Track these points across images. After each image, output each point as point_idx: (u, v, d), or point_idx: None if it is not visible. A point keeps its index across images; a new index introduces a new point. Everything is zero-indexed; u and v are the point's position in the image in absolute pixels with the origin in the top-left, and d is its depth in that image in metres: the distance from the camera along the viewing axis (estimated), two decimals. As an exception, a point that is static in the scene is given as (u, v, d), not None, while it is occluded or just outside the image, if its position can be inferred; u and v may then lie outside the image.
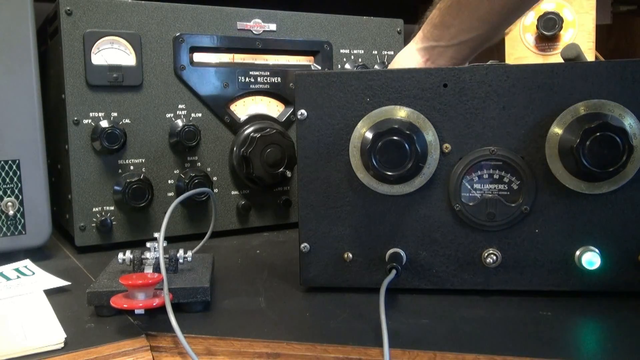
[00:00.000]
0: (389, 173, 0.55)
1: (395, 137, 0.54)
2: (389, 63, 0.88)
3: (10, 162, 0.73)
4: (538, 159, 0.56)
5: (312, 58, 0.93)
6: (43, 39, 0.87)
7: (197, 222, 0.85)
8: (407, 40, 0.79)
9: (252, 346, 0.48)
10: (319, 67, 0.92)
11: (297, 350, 0.48)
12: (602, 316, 0.54)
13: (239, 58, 0.88)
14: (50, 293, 0.61)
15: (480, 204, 0.57)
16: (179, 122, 0.82)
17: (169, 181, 0.83)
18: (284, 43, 0.90)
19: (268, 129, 0.85)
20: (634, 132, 0.53)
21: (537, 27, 1.05)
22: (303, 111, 0.59)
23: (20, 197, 0.74)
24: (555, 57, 1.05)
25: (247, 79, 0.87)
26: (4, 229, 0.74)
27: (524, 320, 0.52)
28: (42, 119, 0.75)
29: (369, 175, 0.58)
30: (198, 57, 0.85)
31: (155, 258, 0.59)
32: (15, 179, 0.74)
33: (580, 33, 1.05)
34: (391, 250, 0.59)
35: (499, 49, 1.08)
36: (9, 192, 0.74)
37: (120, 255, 0.61)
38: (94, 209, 0.79)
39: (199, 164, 0.85)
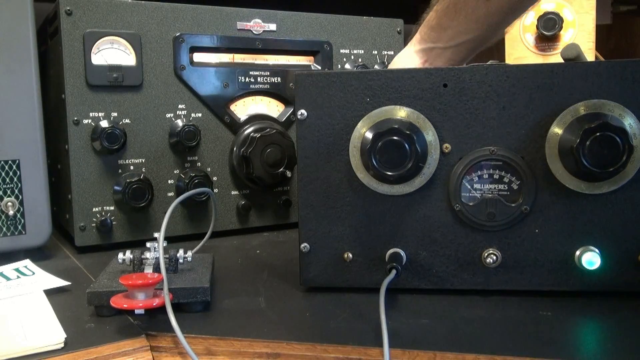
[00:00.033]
0: (389, 173, 0.55)
1: (395, 137, 0.54)
2: (389, 63, 0.88)
3: (10, 162, 0.73)
4: (538, 159, 0.56)
5: (312, 58, 0.93)
6: (43, 39, 0.87)
7: (197, 222, 0.85)
8: (407, 40, 0.79)
9: (252, 346, 0.48)
10: (319, 67, 0.92)
11: (297, 350, 0.48)
12: (602, 316, 0.54)
13: (239, 58, 0.88)
14: (50, 293, 0.61)
15: (480, 204, 0.57)
16: (179, 122, 0.82)
17: (169, 181, 0.83)
18: (284, 43, 0.90)
19: (268, 129, 0.85)
20: (634, 132, 0.53)
21: (537, 27, 1.05)
22: (303, 111, 0.59)
23: (20, 197, 0.74)
24: (555, 57, 1.05)
25: (247, 79, 0.87)
26: (4, 229, 0.74)
27: (524, 320, 0.52)
28: (42, 119, 0.75)
29: (369, 175, 0.58)
30: (198, 57, 0.85)
31: (155, 258, 0.59)
32: (15, 179, 0.74)
33: (580, 33, 1.05)
34: (391, 250, 0.59)
35: (499, 49, 1.08)
36: (9, 192, 0.74)
37: (120, 255, 0.61)
38: (94, 209, 0.79)
39: (199, 164, 0.85)
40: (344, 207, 0.59)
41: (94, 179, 0.79)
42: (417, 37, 0.75)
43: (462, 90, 0.56)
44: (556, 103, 0.55)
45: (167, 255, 0.59)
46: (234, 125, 0.87)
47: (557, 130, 0.55)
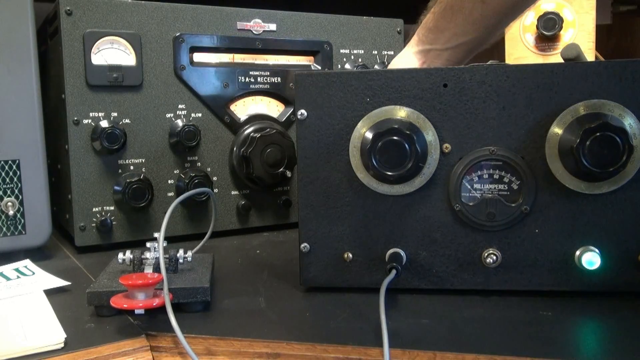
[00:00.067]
0: (389, 173, 0.55)
1: (395, 137, 0.54)
2: (388, 63, 0.88)
3: (10, 162, 0.73)
4: (538, 159, 0.56)
5: (312, 58, 0.93)
6: (43, 39, 0.87)
7: (197, 222, 0.85)
8: (406, 40, 0.79)
9: (252, 346, 0.48)
10: (319, 67, 0.92)
11: (297, 350, 0.48)
12: (602, 316, 0.54)
13: (239, 58, 0.88)
14: (50, 293, 0.61)
15: (480, 204, 0.57)
16: (179, 122, 0.82)
17: (169, 181, 0.83)
18: (284, 43, 0.90)
19: (268, 129, 0.85)
20: (634, 132, 0.53)
21: (537, 27, 1.05)
22: (303, 111, 0.59)
23: (20, 197, 0.74)
24: (555, 57, 1.05)
25: (247, 79, 0.87)
26: (4, 229, 0.74)
27: (524, 320, 0.52)
28: (42, 119, 0.75)
29: (369, 175, 0.58)
30: (198, 57, 0.85)
31: (155, 258, 0.59)
32: (15, 179, 0.74)
33: (580, 33, 1.05)
34: (391, 250, 0.59)
35: (499, 49, 1.08)
36: (9, 192, 0.74)
37: (120, 255, 0.61)
38: (94, 209, 0.79)
39: (199, 164, 0.85)
40: (344, 207, 0.59)
41: (94, 179, 0.79)
42: (414, 39, 0.75)
43: (462, 90, 0.56)
44: (556, 103, 0.55)
45: (167, 255, 0.59)
46: (234, 125, 0.87)
47: (557, 130, 0.55)
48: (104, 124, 0.77)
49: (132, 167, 0.81)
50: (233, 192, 0.88)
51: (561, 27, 1.04)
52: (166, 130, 0.82)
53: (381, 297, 0.50)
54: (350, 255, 0.59)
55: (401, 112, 0.57)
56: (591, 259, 0.55)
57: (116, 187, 0.79)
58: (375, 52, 0.97)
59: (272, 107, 0.91)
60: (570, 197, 0.56)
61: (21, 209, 0.74)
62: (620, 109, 0.54)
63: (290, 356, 0.47)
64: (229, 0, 0.87)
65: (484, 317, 0.53)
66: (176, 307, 0.54)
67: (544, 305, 0.55)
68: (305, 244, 0.60)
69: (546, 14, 1.04)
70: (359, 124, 0.57)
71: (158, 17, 0.81)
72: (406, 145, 0.55)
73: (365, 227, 0.59)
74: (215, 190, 0.86)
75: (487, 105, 0.56)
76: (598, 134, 0.52)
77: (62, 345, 0.48)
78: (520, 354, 0.45)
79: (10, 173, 0.73)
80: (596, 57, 1.08)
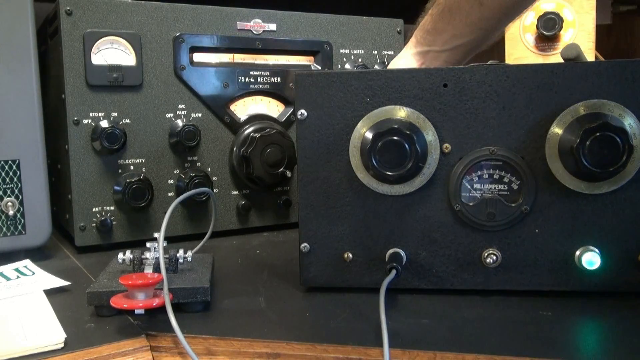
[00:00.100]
0: (389, 173, 0.55)
1: (395, 137, 0.54)
2: (389, 63, 0.88)
3: (10, 162, 0.73)
4: (538, 159, 0.56)
5: (312, 58, 0.93)
6: (43, 39, 0.87)
7: (197, 222, 0.85)
8: (406, 40, 0.79)
9: (252, 346, 0.48)
10: (319, 67, 0.92)
11: (297, 350, 0.48)
12: (602, 316, 0.54)
13: (239, 58, 0.88)
14: (50, 293, 0.61)
15: (480, 204, 0.57)
16: (179, 122, 0.82)
17: (169, 181, 0.83)
18: (284, 43, 0.90)
19: (268, 129, 0.85)
20: (634, 132, 0.53)
21: (537, 27, 1.05)
22: (303, 111, 0.59)
23: (20, 197, 0.74)
24: (555, 57, 1.05)
25: (247, 79, 0.87)
26: (4, 229, 0.74)
27: (524, 320, 0.52)
28: (42, 119, 0.75)
29: (369, 175, 0.58)
30: (198, 57, 0.85)
31: (155, 258, 0.59)
32: (15, 179, 0.74)
33: (580, 33, 1.05)
34: (391, 250, 0.59)
35: (499, 49, 1.08)
36: (9, 192, 0.74)
37: (120, 255, 0.61)
38: (94, 209, 0.79)
39: (199, 164, 0.85)
40: (344, 207, 0.59)
41: (94, 179, 0.79)
42: (412, 41, 0.75)
43: (462, 90, 0.56)
44: (556, 103, 0.55)
45: (167, 255, 0.59)
46: (234, 125, 0.87)
47: (557, 130, 0.55)
48: (104, 124, 0.77)
49: (132, 167, 0.81)
50: (233, 192, 0.88)
51: (561, 27, 1.04)
52: (166, 130, 0.82)
53: (381, 297, 0.50)
54: (350, 255, 0.59)
55: (401, 112, 0.57)
56: (591, 259, 0.55)
57: (116, 187, 0.79)
58: (375, 52, 0.97)
59: (272, 107, 0.91)
60: (570, 197, 0.56)
61: (21, 209, 0.74)
62: (620, 109, 0.54)
63: (290, 356, 0.47)
64: (229, 0, 0.88)
65: (484, 317, 0.53)
66: (176, 307, 0.54)
67: (544, 305, 0.55)
68: (305, 244, 0.60)
69: (546, 14, 1.04)
70: (359, 124, 0.57)
71: (158, 17, 0.81)
72: (406, 145, 0.55)
73: (365, 227, 0.59)
74: (215, 190, 0.86)
75: (487, 105, 0.56)
76: (598, 134, 0.52)
77: (62, 345, 0.48)
78: (520, 354, 0.45)
79: (10, 173, 0.73)
80: (596, 57, 1.08)
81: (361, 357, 0.46)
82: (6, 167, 0.73)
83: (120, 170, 0.80)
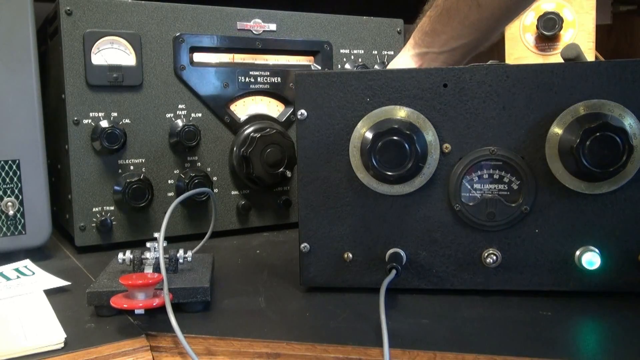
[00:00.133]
0: (389, 173, 0.55)
1: (395, 137, 0.54)
2: (388, 63, 0.88)
3: (10, 162, 0.73)
4: (538, 159, 0.56)
5: (312, 58, 0.93)
6: (43, 39, 0.87)
7: (197, 222, 0.85)
8: (406, 40, 0.79)
9: (252, 346, 0.48)
10: (319, 67, 0.92)
11: (297, 350, 0.48)
12: (602, 316, 0.54)
13: (239, 58, 0.88)
14: (50, 293, 0.61)
15: (480, 204, 0.57)
16: (179, 122, 0.82)
17: (169, 181, 0.83)
18: (284, 43, 0.90)
19: (268, 129, 0.85)
20: (634, 132, 0.53)
21: (537, 27, 1.05)
22: (303, 111, 0.59)
23: (20, 197, 0.74)
24: (555, 57, 1.05)
25: (247, 79, 0.87)
26: (4, 229, 0.74)
27: (524, 320, 0.52)
28: (42, 119, 0.75)
29: (369, 175, 0.58)
30: (198, 57, 0.85)
31: (155, 258, 0.59)
32: (15, 179, 0.74)
33: (580, 33, 1.05)
34: (391, 250, 0.59)
35: (499, 49, 1.08)
36: (9, 192, 0.74)
37: (120, 255, 0.61)
38: (94, 209, 0.79)
39: (199, 164, 0.85)
40: (344, 207, 0.59)
41: (94, 179, 0.79)
42: (411, 42, 0.75)
43: (462, 90, 0.56)
44: (556, 103, 0.55)
45: (167, 255, 0.59)
46: (234, 125, 0.87)
47: (557, 130, 0.55)
48: (104, 124, 0.77)
49: (132, 167, 0.81)
50: (233, 192, 0.88)
51: (561, 27, 1.04)
52: (166, 130, 0.82)
53: (381, 297, 0.50)
54: (350, 255, 0.59)
55: (401, 112, 0.57)
56: (591, 259, 0.55)
57: (116, 187, 0.79)
58: (375, 52, 0.97)
59: (272, 107, 0.91)
60: (570, 197, 0.56)
61: (21, 209, 0.74)
62: (620, 109, 0.54)
63: (290, 356, 0.47)
64: (229, 0, 0.88)
65: (484, 317, 0.53)
66: (176, 307, 0.54)
67: (544, 305, 0.55)
68: (305, 244, 0.60)
69: (546, 14, 1.04)
70: (359, 124, 0.57)
71: (158, 17, 0.81)
72: (406, 145, 0.55)
73: (365, 227, 0.59)
74: (215, 190, 0.86)
75: (487, 105, 0.56)
76: (598, 134, 0.52)
77: (62, 345, 0.48)
78: (520, 354, 0.45)
79: (10, 173, 0.73)
80: (596, 57, 1.08)
81: (361, 357, 0.46)
82: (6, 167, 0.73)
83: (120, 170, 0.80)
